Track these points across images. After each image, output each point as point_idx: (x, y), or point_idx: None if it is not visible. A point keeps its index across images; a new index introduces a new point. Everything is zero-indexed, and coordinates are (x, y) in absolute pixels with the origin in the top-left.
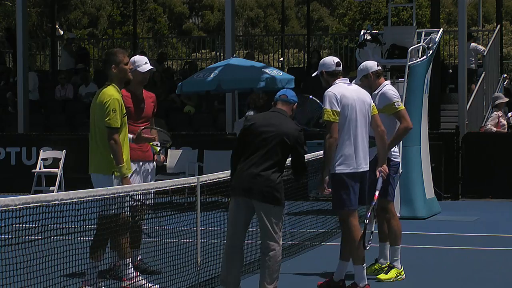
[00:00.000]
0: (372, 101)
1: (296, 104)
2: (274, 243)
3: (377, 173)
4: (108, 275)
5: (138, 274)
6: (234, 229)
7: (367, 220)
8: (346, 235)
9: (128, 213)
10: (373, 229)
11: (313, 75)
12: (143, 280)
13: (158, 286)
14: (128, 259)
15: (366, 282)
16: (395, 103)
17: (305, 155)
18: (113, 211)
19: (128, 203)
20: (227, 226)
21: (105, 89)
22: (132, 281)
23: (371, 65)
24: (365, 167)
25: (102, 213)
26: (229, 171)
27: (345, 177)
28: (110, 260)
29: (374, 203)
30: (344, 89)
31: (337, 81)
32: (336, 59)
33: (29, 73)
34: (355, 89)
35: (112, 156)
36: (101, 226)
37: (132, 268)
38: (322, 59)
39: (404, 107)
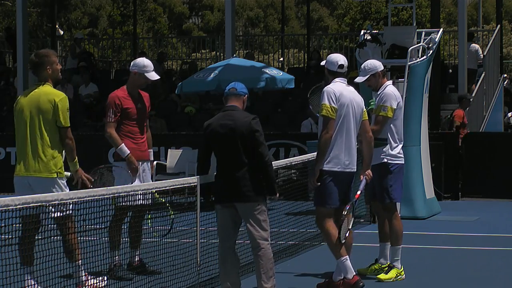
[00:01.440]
0: (364, 106)
1: (246, 95)
2: (264, 241)
3: (361, 177)
4: (108, 275)
5: (87, 274)
6: (224, 232)
7: (345, 213)
8: (323, 233)
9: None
10: (350, 226)
11: (322, 63)
12: (93, 280)
13: (105, 278)
14: (79, 261)
15: (354, 273)
16: (383, 107)
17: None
18: (67, 212)
19: (70, 205)
20: (218, 231)
21: (47, 88)
22: (86, 285)
23: (379, 64)
24: (352, 168)
25: (61, 215)
26: None
27: (332, 175)
28: (110, 260)
29: (355, 201)
30: (343, 88)
31: (336, 79)
32: (341, 61)
33: (29, 73)
34: (352, 91)
35: (67, 153)
36: (62, 227)
37: (83, 271)
38: (330, 55)
39: (388, 115)
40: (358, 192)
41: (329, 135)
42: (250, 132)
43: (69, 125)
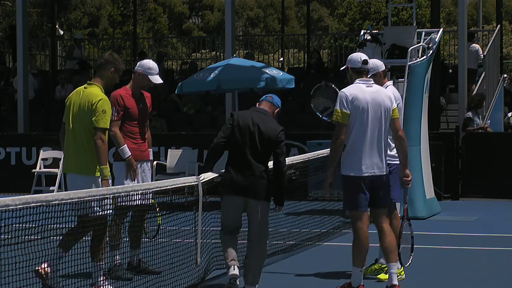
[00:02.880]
0: (394, 103)
1: (278, 109)
2: (266, 240)
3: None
4: (108, 275)
5: (105, 278)
6: (230, 220)
7: (400, 240)
8: (353, 235)
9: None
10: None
11: (341, 69)
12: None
13: None
14: (102, 263)
15: (361, 283)
16: None
17: (302, 155)
18: (97, 213)
19: (110, 205)
20: (223, 218)
21: (93, 89)
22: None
23: (381, 64)
24: (372, 171)
25: (100, 214)
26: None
27: (350, 179)
28: (109, 259)
29: (403, 222)
30: (358, 91)
31: (357, 80)
32: (364, 57)
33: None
34: (374, 91)
35: (96, 155)
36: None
37: (102, 272)
38: (350, 55)
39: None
40: (405, 206)
41: (340, 140)
42: (276, 141)
43: (102, 126)
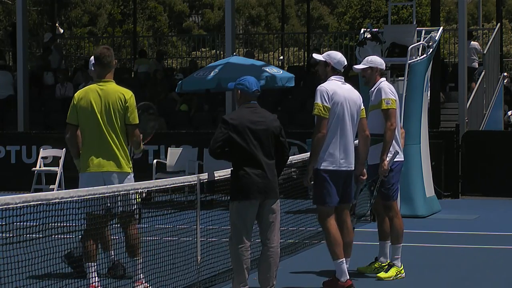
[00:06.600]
0: (362, 103)
1: (257, 90)
2: (278, 237)
3: (354, 181)
4: (108, 274)
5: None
6: (247, 229)
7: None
8: (324, 231)
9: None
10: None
11: (317, 56)
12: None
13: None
14: (140, 259)
15: (348, 277)
16: (386, 101)
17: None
18: (132, 206)
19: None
20: (237, 228)
21: (114, 85)
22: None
23: (381, 62)
24: (349, 166)
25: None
26: (229, 169)
27: (327, 174)
28: (109, 259)
29: (353, 218)
30: (336, 87)
31: (332, 77)
32: (345, 63)
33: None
34: (348, 88)
35: (135, 148)
36: (127, 222)
37: (141, 269)
38: (335, 54)
39: (394, 107)
40: (354, 202)
41: (321, 134)
42: (281, 131)
43: (138, 122)
